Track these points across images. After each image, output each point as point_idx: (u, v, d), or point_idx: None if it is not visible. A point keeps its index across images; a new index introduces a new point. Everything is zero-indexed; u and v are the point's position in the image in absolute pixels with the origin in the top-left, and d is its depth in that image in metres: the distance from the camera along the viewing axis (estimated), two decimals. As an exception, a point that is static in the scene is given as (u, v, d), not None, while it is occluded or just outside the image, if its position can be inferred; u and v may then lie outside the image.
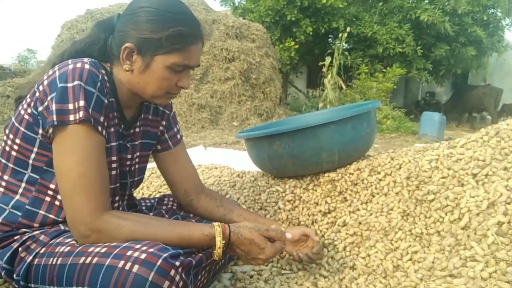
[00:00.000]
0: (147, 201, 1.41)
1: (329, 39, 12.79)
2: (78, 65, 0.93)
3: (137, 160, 1.19)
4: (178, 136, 1.32)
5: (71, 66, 0.93)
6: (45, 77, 0.95)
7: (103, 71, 1.00)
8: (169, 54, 0.99)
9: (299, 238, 1.28)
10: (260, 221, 1.33)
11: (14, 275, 0.95)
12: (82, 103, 0.91)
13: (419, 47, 11.03)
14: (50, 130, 0.93)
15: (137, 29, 0.98)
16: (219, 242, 0.99)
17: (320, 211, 1.62)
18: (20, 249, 0.96)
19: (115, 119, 1.05)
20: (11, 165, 1.00)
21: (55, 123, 0.90)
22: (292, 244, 1.29)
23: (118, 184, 1.10)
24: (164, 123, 1.27)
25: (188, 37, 1.00)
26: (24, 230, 0.99)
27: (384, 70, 10.07)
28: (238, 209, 1.37)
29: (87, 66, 0.94)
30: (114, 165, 1.05)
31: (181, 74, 1.04)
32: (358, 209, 1.57)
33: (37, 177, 0.99)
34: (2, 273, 0.98)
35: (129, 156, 1.14)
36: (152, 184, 2.14)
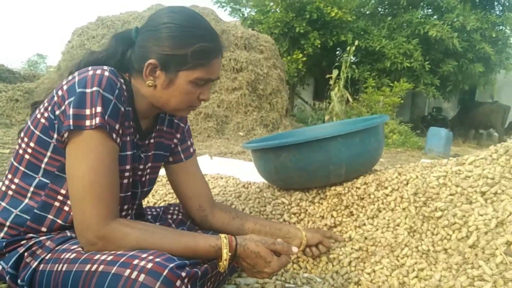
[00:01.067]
0: (153, 209, 1.41)
1: (337, 52, 12.82)
2: (98, 71, 0.95)
3: (148, 171, 1.20)
4: (191, 150, 1.32)
5: (91, 72, 0.95)
6: (64, 82, 0.97)
7: (122, 80, 1.01)
8: (193, 70, 1.01)
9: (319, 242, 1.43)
10: (277, 227, 1.38)
11: (19, 281, 0.95)
12: (99, 109, 0.92)
13: (427, 62, 11.02)
14: (66, 135, 0.94)
15: (159, 45, 1.00)
16: (226, 254, 0.99)
17: (326, 224, 1.61)
18: (25, 254, 0.96)
19: (130, 128, 1.06)
20: (23, 169, 1.01)
21: (71, 127, 0.91)
22: (311, 247, 1.43)
23: (129, 193, 1.10)
24: (178, 136, 1.28)
25: (211, 52, 1.02)
26: (31, 235, 0.99)
27: (391, 84, 10.05)
28: (253, 217, 1.40)
29: (106, 73, 0.95)
30: (127, 174, 1.06)
31: (203, 87, 1.06)
32: (364, 224, 1.56)
33: (48, 181, 1.00)
34: (7, 278, 0.97)
35: (141, 167, 1.15)
36: (157, 192, 2.14)
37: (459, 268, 1.21)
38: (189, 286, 0.85)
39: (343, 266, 1.44)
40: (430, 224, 1.41)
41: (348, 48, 8.64)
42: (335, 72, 8.28)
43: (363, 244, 1.48)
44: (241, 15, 12.76)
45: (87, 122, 0.91)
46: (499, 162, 1.49)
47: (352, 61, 9.17)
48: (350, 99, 8.27)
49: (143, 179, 1.18)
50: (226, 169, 2.98)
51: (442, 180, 1.52)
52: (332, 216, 1.63)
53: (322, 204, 1.70)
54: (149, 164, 1.19)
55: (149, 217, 1.33)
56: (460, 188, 1.45)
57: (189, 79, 1.02)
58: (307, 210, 1.69)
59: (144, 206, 1.39)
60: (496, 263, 1.13)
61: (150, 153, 1.18)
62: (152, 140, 1.18)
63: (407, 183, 1.60)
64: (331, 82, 8.31)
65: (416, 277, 1.30)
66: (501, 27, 11.85)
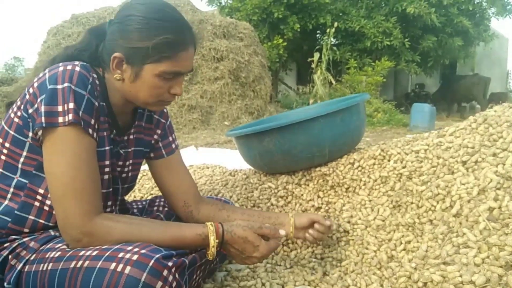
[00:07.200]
0: (139, 203, 1.40)
1: (317, 35, 12.81)
2: (69, 67, 0.93)
3: (130, 167, 1.18)
4: (173, 146, 1.29)
5: (61, 68, 0.93)
6: (35, 80, 0.95)
7: (95, 75, 0.99)
8: (158, 63, 0.98)
9: (309, 225, 1.29)
10: (266, 215, 1.32)
11: (5, 283, 0.94)
12: (71, 105, 0.90)
13: (406, 40, 11.07)
14: (40, 133, 0.93)
15: (124, 38, 0.98)
16: (213, 241, 0.99)
17: (313, 206, 1.62)
18: (10, 256, 0.95)
19: (106, 123, 1.04)
20: (0, 170, 0.99)
21: (44, 125, 0.89)
22: (301, 230, 1.30)
23: (111, 189, 1.09)
24: (159, 131, 1.26)
25: (177, 44, 0.99)
26: (14, 237, 0.98)
27: (373, 63, 10.09)
28: (241, 209, 1.36)
29: (77, 69, 0.93)
30: (106, 169, 1.04)
31: (173, 81, 1.03)
32: (350, 202, 1.57)
33: (26, 181, 0.98)
34: (-7, 282, 0.96)
35: (120, 163, 1.13)
36: (143, 186, 2.13)
37: (445, 238, 1.23)
38: (176, 276, 0.85)
39: (331, 244, 1.45)
40: (414, 197, 1.43)
41: (327, 30, 8.64)
42: (316, 55, 8.28)
43: (350, 221, 1.50)
44: (218, 3, 12.64)
45: (60, 119, 0.90)
46: (478, 131, 1.51)
47: (332, 43, 9.18)
48: (333, 81, 8.29)
49: (124, 175, 1.16)
50: (212, 158, 2.97)
51: (423, 153, 1.53)
52: (318, 196, 1.64)
53: (308, 185, 1.71)
54: (130, 161, 1.17)
55: (135, 210, 1.32)
56: (441, 159, 1.46)
57: (154, 73, 0.99)
58: (293, 192, 1.69)
59: (130, 201, 1.38)
60: (479, 230, 1.15)
61: (130, 150, 1.16)
62: (131, 136, 1.16)
63: (390, 159, 1.61)
64: (313, 65, 8.32)
65: (404, 249, 1.32)
66: (477, 0, 11.94)
